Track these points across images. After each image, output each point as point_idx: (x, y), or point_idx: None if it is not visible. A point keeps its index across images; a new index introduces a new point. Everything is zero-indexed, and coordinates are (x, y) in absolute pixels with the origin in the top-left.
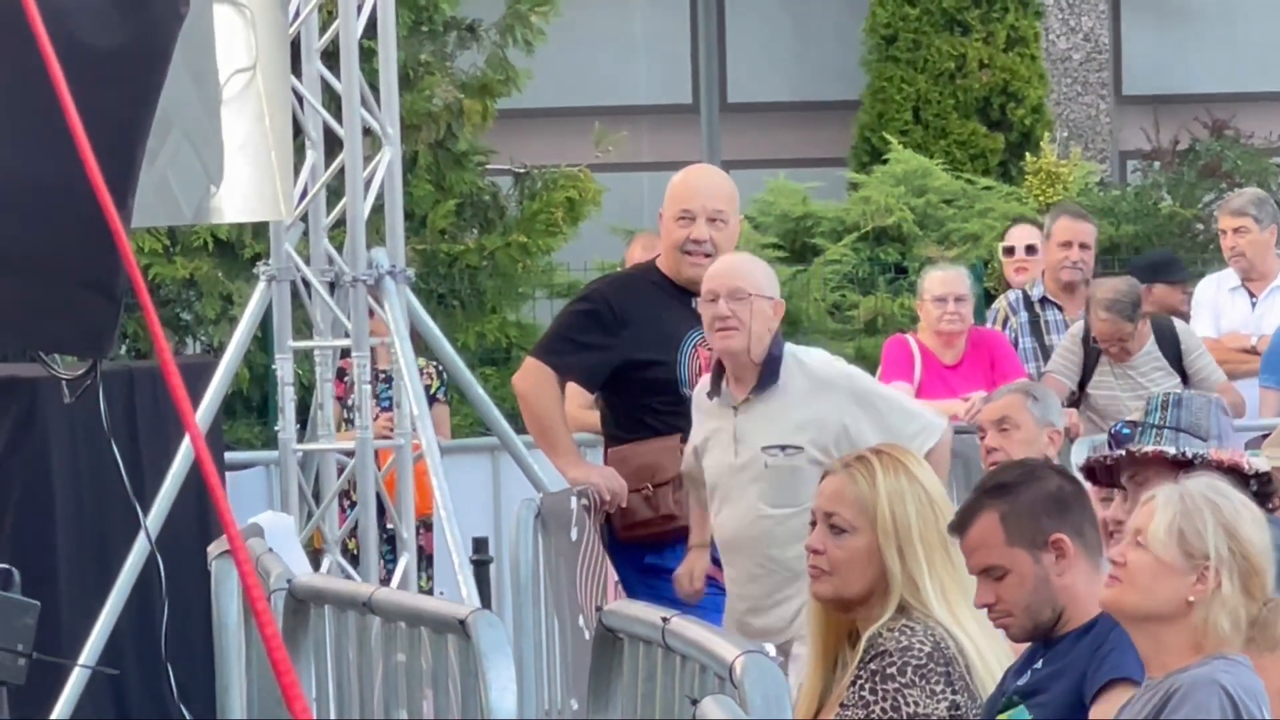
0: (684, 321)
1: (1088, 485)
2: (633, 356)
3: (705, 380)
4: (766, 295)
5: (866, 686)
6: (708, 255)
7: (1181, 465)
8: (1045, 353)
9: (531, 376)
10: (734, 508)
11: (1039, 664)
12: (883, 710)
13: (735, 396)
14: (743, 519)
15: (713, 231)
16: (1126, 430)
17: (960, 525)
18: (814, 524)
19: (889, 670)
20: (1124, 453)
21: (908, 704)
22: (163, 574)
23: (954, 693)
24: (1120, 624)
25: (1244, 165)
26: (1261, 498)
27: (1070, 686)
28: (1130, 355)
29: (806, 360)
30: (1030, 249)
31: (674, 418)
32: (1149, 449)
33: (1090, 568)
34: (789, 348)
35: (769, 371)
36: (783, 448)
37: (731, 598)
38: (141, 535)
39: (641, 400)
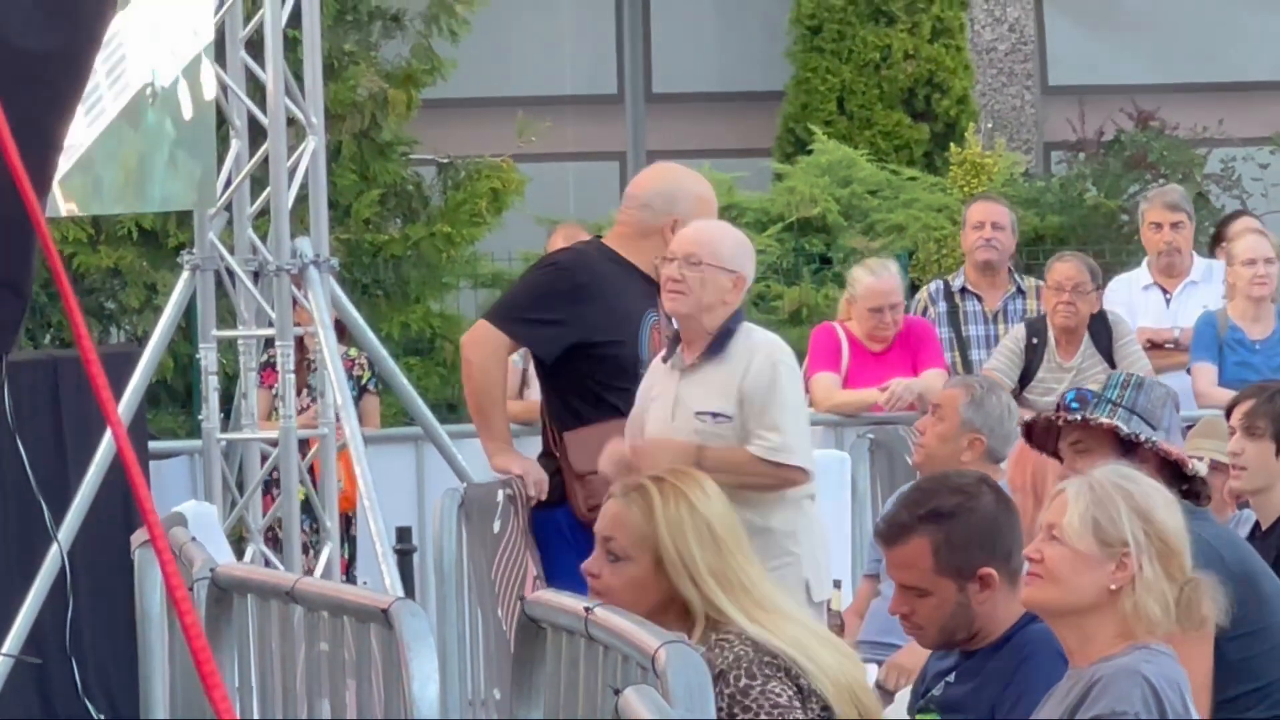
0: (639, 301)
1: (1021, 443)
2: (590, 335)
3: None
4: (726, 268)
5: (734, 711)
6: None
7: (1128, 448)
8: (961, 343)
9: (481, 344)
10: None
11: (952, 677)
12: (770, 716)
13: (684, 360)
14: None
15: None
16: (1075, 403)
17: (889, 539)
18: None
19: (740, 685)
20: (1080, 418)
21: (778, 697)
22: (69, 570)
23: (792, 678)
24: (1035, 641)
25: (1170, 156)
26: (1191, 496)
27: (985, 711)
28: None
29: (756, 338)
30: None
31: (633, 396)
32: (1104, 420)
33: (1011, 590)
34: (747, 325)
35: (719, 342)
36: (714, 415)
37: None
38: (61, 527)
39: (600, 378)
